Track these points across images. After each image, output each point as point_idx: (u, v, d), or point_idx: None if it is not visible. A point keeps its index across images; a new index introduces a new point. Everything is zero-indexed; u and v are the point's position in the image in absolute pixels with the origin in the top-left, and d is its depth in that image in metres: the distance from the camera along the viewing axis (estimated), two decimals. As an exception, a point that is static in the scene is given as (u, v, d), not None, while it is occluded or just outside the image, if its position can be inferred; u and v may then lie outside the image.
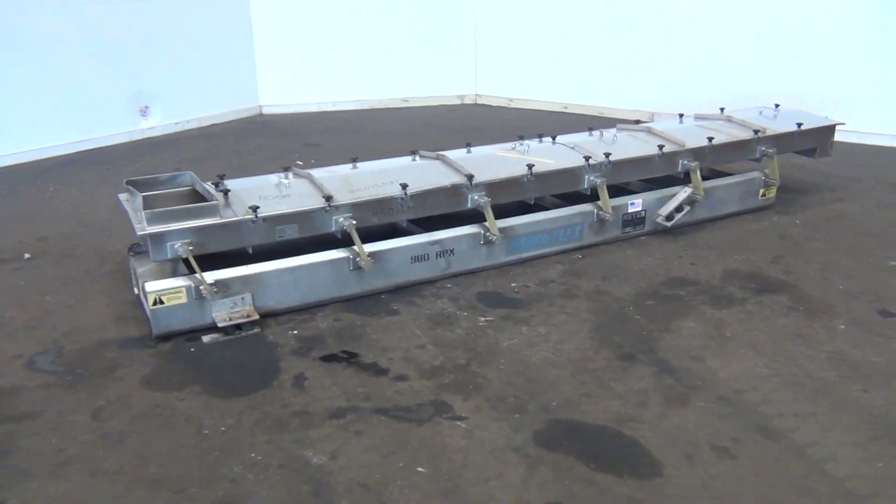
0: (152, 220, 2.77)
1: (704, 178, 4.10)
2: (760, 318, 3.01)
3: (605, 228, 3.76)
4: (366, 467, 2.15)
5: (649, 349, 2.78)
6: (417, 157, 3.68)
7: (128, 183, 3.11)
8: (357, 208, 3.12)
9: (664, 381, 2.57)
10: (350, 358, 2.75)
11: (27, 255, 3.76)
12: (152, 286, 2.83)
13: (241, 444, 2.26)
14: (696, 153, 3.91)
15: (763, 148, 4.11)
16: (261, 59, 7.44)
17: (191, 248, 2.81)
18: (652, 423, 2.34)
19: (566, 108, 7.32)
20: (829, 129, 4.39)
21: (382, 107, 7.80)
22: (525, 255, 3.58)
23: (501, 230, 3.45)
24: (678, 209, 3.84)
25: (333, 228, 3.09)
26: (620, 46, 6.90)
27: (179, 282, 2.86)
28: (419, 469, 2.14)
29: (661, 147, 3.77)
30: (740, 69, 6.29)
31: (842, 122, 4.46)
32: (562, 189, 3.65)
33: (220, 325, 2.90)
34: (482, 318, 3.05)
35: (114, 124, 6.39)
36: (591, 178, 3.62)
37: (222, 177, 3.30)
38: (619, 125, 4.27)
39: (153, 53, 6.56)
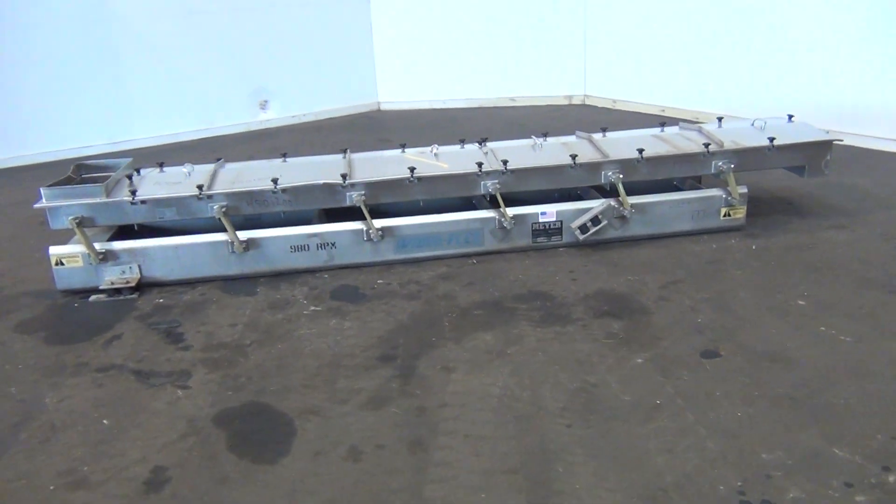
0: (49, 197, 3.40)
1: (657, 192, 3.84)
2: (564, 341, 2.86)
3: (512, 236, 3.71)
4: (71, 412, 2.55)
5: (416, 355, 2.82)
6: (347, 155, 3.96)
7: (75, 166, 3.80)
8: (231, 198, 3.50)
9: (390, 384, 2.62)
10: (171, 327, 3.16)
11: (60, 220, 4.66)
12: (54, 250, 3.47)
13: (18, 379, 2.78)
14: (625, 165, 3.68)
15: (719, 163, 3.72)
16: (380, 57, 8.02)
17: (77, 221, 3.39)
18: (327, 420, 2.44)
19: (663, 111, 6.92)
20: (821, 146, 3.81)
21: (491, 105, 7.98)
22: (417, 254, 3.68)
23: (385, 230, 3.60)
24: (594, 222, 3.66)
25: (209, 214, 3.50)
26: (718, 50, 6.37)
27: (76, 248, 3.47)
28: (104, 421, 2.49)
29: (573, 157, 3.62)
30: (840, 76, 5.52)
31: (839, 138, 3.84)
32: (454, 193, 3.68)
33: (101, 287, 3.47)
34: (312, 308, 3.27)
35: (234, 115, 7.38)
36: (487, 184, 3.61)
37: (161, 164, 3.89)
38: (577, 132, 4.12)
39: (275, 55, 7.45)
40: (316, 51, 7.66)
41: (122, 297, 3.46)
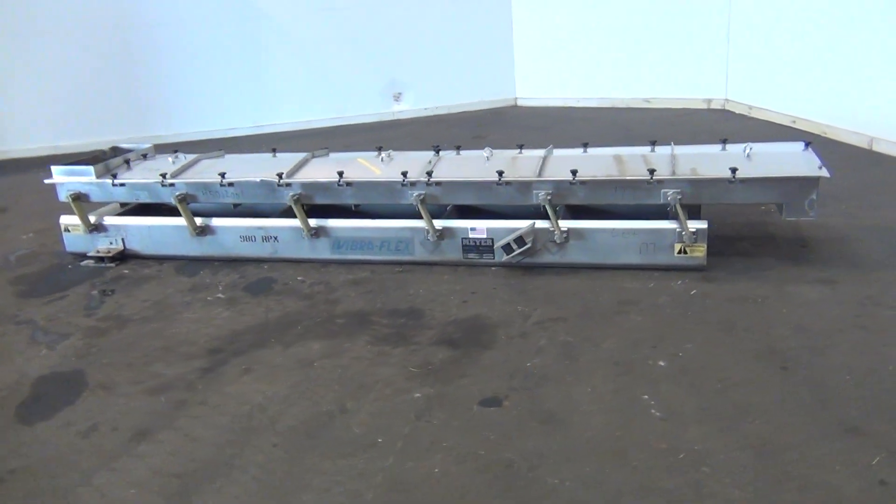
0: (55, 173, 4.05)
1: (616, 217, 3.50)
2: (375, 363, 2.79)
3: (443, 249, 3.63)
4: (-38, 355, 3.10)
5: (240, 352, 2.94)
6: (315, 154, 4.16)
7: (112, 147, 4.45)
8: (189, 187, 3.87)
9: (188, 376, 2.80)
10: (107, 294, 3.62)
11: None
12: (64, 219, 4.12)
13: (-36, 322, 3.43)
14: (558, 186, 3.40)
15: (668, 193, 3.28)
16: (519, 53, 7.94)
17: (74, 196, 3.99)
18: (108, 397, 2.68)
19: (794, 122, 6.01)
20: (801, 183, 3.15)
21: (624, 106, 7.53)
22: (350, 256, 3.76)
23: (319, 229, 3.74)
24: (517, 242, 3.45)
25: (171, 200, 3.90)
26: (856, 63, 5.38)
27: (78, 219, 4.09)
28: (-25, 368, 3.00)
29: (500, 174, 3.44)
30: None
31: (825, 174, 3.13)
32: (383, 200, 3.68)
33: (88, 255, 4.06)
34: (217, 296, 3.53)
35: (367, 106, 7.84)
36: (413, 194, 3.57)
37: (176, 151, 4.40)
38: (551, 146, 3.87)
39: (412, 49, 7.73)
40: (454, 45, 7.80)
41: (104, 265, 4.01)
